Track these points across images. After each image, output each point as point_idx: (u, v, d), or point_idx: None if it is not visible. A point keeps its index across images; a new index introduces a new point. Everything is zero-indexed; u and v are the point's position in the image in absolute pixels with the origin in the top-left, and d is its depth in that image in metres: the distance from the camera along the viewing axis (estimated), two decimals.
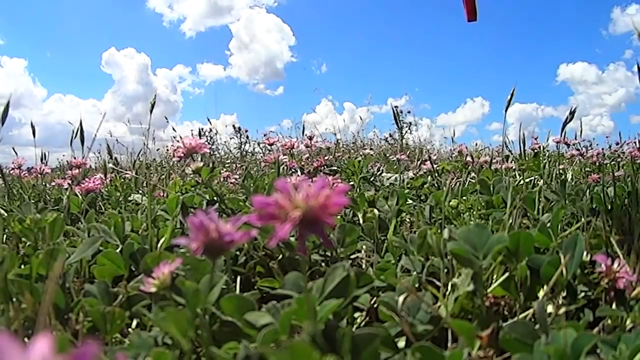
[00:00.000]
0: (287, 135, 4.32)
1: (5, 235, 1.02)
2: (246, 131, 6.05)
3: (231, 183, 2.20)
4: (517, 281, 0.65)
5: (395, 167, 2.62)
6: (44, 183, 2.16)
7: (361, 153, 3.41)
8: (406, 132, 6.45)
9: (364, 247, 0.96)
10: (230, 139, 6.27)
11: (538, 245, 0.76)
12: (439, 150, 5.41)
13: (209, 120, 5.87)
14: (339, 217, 1.14)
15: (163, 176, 2.24)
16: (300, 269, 0.64)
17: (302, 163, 2.32)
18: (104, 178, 1.81)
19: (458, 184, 1.61)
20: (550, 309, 0.61)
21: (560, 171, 1.95)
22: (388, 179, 2.15)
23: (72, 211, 1.43)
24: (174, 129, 3.68)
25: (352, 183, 1.87)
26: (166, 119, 4.67)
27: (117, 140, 3.47)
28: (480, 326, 0.53)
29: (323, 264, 0.89)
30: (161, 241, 0.87)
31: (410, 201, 1.47)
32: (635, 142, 3.34)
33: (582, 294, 0.63)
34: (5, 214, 1.24)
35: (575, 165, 2.53)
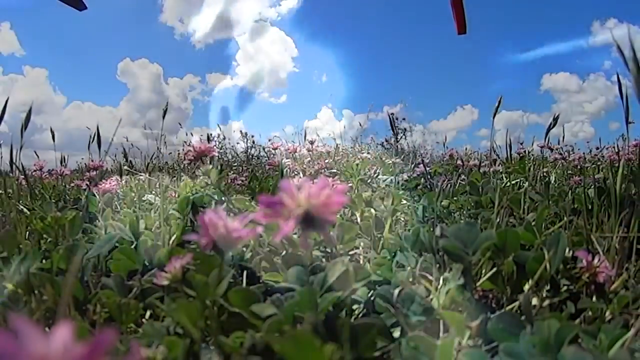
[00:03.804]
0: (290, 140, 4.32)
1: (28, 232, 1.03)
2: (252, 136, 6.05)
3: (238, 184, 2.20)
4: (504, 275, 0.65)
5: (390, 170, 2.62)
6: (63, 184, 2.17)
7: (359, 157, 3.41)
8: (401, 137, 6.45)
9: (361, 244, 0.96)
10: (237, 143, 6.27)
11: (524, 242, 0.76)
12: (431, 154, 5.41)
13: (219, 126, 5.86)
14: (338, 216, 1.14)
15: (175, 178, 2.24)
16: (302, 264, 0.64)
17: (304, 166, 2.32)
18: (119, 179, 1.81)
19: (449, 185, 1.61)
20: (535, 301, 0.61)
21: (544, 174, 1.95)
22: (384, 180, 2.15)
23: (90, 210, 1.44)
24: (191, 134, 3.69)
25: (350, 184, 1.87)
26: (180, 125, 4.66)
27: (132, 144, 3.46)
28: (470, 317, 0.53)
29: (324, 260, 0.89)
30: (173, 238, 0.87)
31: (405, 201, 1.46)
32: (614, 147, 3.33)
33: (565, 287, 0.63)
34: (28, 213, 1.24)
35: (558, 169, 2.52)
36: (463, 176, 1.95)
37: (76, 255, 0.71)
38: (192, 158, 1.16)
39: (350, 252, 0.92)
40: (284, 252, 0.83)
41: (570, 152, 3.27)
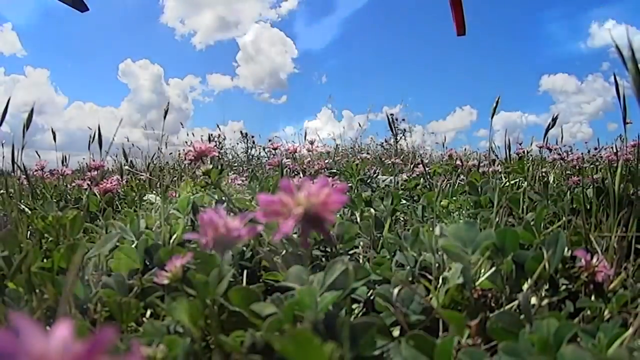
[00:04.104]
0: (290, 140, 4.32)
1: (29, 231, 1.02)
2: (252, 137, 6.06)
3: (238, 184, 2.20)
4: (503, 275, 0.65)
5: (390, 170, 2.62)
6: (65, 184, 2.16)
7: (359, 157, 3.40)
8: (400, 138, 6.44)
9: (361, 243, 0.96)
10: (238, 144, 6.27)
11: (523, 241, 0.76)
12: (430, 155, 5.40)
13: (218, 126, 5.87)
14: (338, 215, 1.14)
15: (175, 178, 2.24)
16: (302, 263, 0.64)
17: (304, 166, 2.32)
18: (120, 179, 1.81)
19: (448, 185, 1.61)
20: (534, 300, 0.61)
21: (543, 174, 1.95)
22: (383, 180, 2.15)
23: (91, 210, 1.43)
24: (192, 134, 3.70)
25: (350, 184, 1.87)
26: (182, 124, 4.67)
27: (132, 144, 3.47)
28: (469, 316, 0.53)
29: (323, 259, 0.88)
30: (173, 237, 0.86)
31: (404, 201, 1.46)
32: (612, 148, 3.33)
33: (564, 286, 0.63)
34: (30, 212, 1.24)
35: (556, 169, 2.52)
36: (462, 176, 1.95)
37: (77, 254, 0.70)
38: (193, 158, 1.16)
39: (350, 252, 0.92)
40: (283, 251, 0.83)
41: (569, 153, 3.27)
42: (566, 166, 2.68)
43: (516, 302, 0.61)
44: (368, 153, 4.25)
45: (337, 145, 4.56)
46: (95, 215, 1.37)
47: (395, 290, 0.58)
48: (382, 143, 6.08)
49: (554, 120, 1.78)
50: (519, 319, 0.51)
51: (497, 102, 1.63)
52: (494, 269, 0.65)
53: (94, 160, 1.98)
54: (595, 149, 3.78)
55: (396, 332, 0.54)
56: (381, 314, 0.57)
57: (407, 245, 0.79)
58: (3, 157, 1.77)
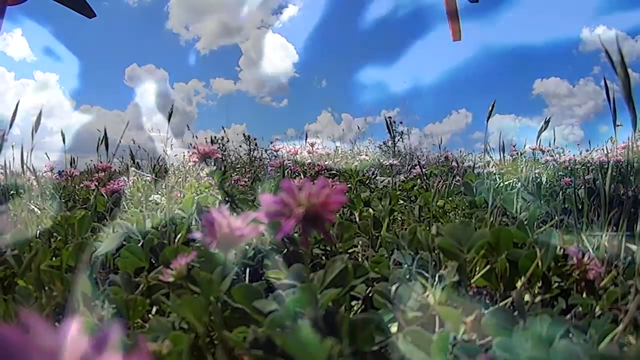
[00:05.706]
0: (291, 142, 4.31)
1: (38, 231, 1.02)
2: (254, 139, 6.05)
3: (241, 185, 2.20)
4: (497, 273, 0.65)
5: (388, 171, 2.62)
6: (73, 184, 2.16)
7: (358, 159, 3.40)
8: (398, 140, 6.44)
9: (360, 242, 0.95)
10: (240, 146, 6.25)
11: (516, 240, 0.75)
12: (427, 156, 5.38)
13: (223, 128, 5.85)
14: (337, 215, 1.14)
15: (180, 179, 2.24)
16: (303, 262, 0.64)
17: (305, 167, 2.32)
18: (127, 180, 1.81)
19: (444, 186, 1.61)
20: (527, 297, 0.61)
21: (536, 175, 1.95)
22: (382, 181, 2.15)
23: (99, 209, 1.44)
24: (195, 137, 3.71)
25: (349, 185, 1.87)
26: (188, 127, 4.65)
27: (139, 146, 3.45)
28: (465, 313, 0.53)
29: (323, 258, 0.88)
30: (178, 236, 0.86)
31: (402, 201, 1.46)
32: (603, 149, 3.33)
33: (556, 284, 0.63)
34: (39, 212, 1.24)
35: (549, 170, 2.52)
36: (458, 177, 1.95)
37: (85, 253, 0.70)
38: (197, 160, 1.16)
39: (349, 250, 0.92)
40: (285, 250, 0.83)
41: (561, 154, 3.27)
42: (558, 167, 2.68)
43: (510, 299, 0.61)
44: (367, 155, 4.24)
45: (336, 147, 4.55)
46: (102, 215, 1.37)
47: (393, 288, 0.58)
48: (381, 145, 6.07)
49: (547, 122, 1.78)
50: (512, 316, 0.50)
51: (493, 106, 1.63)
52: (488, 267, 0.65)
53: (101, 162, 1.99)
54: (587, 150, 3.78)
55: (394, 328, 0.54)
56: (379, 311, 0.57)
57: (405, 244, 0.79)
58: (13, 158, 1.77)
